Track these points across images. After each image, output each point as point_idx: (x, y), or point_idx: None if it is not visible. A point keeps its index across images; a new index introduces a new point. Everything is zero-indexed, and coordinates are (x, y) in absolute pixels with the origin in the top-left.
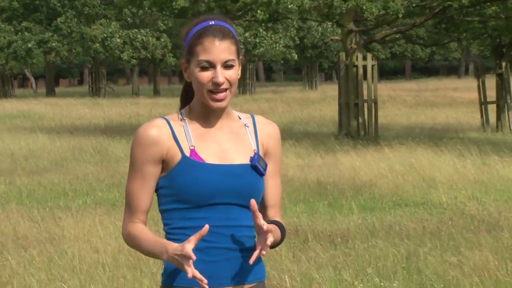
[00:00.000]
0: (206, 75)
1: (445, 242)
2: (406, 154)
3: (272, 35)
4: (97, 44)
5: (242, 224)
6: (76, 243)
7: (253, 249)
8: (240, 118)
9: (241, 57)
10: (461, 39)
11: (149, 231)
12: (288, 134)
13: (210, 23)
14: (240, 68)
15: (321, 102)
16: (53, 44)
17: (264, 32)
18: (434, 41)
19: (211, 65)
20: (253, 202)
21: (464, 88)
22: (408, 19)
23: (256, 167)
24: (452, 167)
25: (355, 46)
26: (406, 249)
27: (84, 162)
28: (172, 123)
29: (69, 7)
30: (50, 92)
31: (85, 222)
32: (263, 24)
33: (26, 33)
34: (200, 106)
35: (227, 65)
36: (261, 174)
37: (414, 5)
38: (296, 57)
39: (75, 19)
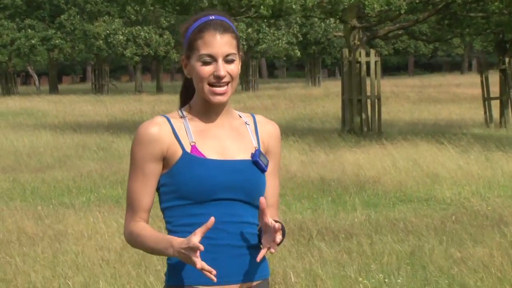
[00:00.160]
0: (207, 69)
1: (449, 238)
2: (409, 150)
3: (275, 32)
4: (100, 41)
5: (244, 221)
6: (80, 240)
7: (256, 246)
8: (240, 117)
9: (241, 53)
10: (464, 35)
11: (152, 228)
12: (291, 131)
13: (211, 17)
14: (240, 64)
15: (324, 98)
16: (57, 41)
17: (267, 29)
18: (437, 37)
19: (212, 59)
20: (262, 199)
21: (467, 84)
22: (411, 15)
23: (258, 163)
24: (456, 163)
25: (358, 42)
26: (410, 245)
27: (87, 159)
28: (172, 120)
29: (72, 4)
30: (53, 89)
31: (89, 219)
32: (265, 21)
33: (29, 30)
34: (200, 103)
35: (228, 59)
36: (263, 170)
37: (417, 1)
38: (299, 53)
39: (78, 16)
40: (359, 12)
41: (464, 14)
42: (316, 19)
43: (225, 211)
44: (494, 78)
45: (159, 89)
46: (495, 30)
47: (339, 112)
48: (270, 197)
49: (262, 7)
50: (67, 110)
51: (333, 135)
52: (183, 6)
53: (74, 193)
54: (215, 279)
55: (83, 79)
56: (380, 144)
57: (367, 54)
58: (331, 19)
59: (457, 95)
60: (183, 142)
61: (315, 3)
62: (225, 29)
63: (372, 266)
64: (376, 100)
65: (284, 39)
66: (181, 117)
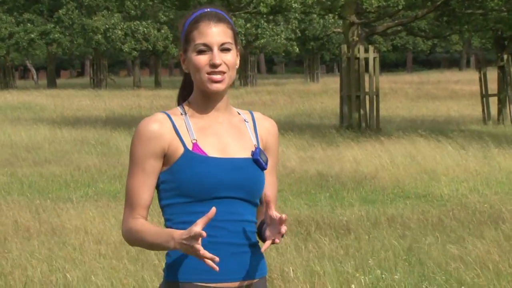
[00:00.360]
0: (203, 58)
1: (447, 234)
2: (407, 147)
3: (274, 27)
4: (99, 36)
5: (244, 219)
6: (78, 234)
7: (255, 244)
8: (239, 114)
9: (239, 47)
10: (463, 31)
11: (151, 223)
12: (290, 126)
13: (206, 10)
14: (239, 58)
15: (323, 94)
16: (56, 35)
17: (266, 24)
18: (435, 34)
19: (208, 48)
20: (268, 193)
21: (465, 81)
22: (409, 12)
23: (258, 161)
24: (454, 160)
25: (357, 39)
26: (407, 241)
27: (85, 153)
28: (173, 117)
29: None
30: (52, 84)
31: (87, 214)
32: (264, 16)
33: (28, 24)
34: (199, 98)
35: (224, 48)
36: (263, 168)
37: None
38: (297, 49)
39: (77, 10)
40: (357, 8)
41: (463, 11)
42: (315, 15)
43: (226, 209)
44: (492, 75)
45: (157, 84)
46: (493, 27)
47: (337, 108)
48: (268, 193)
49: (261, 4)
50: (65, 105)
51: (331, 131)
52: (182, 1)
53: (72, 187)
54: (217, 268)
55: (81, 74)
56: (378, 140)
57: (366, 50)
58: (330, 15)
59: (456, 91)
60: (184, 139)
61: (315, 0)
62: (219, 19)
63: (369, 262)
64: (375, 96)
65: (283, 35)
66: (181, 113)
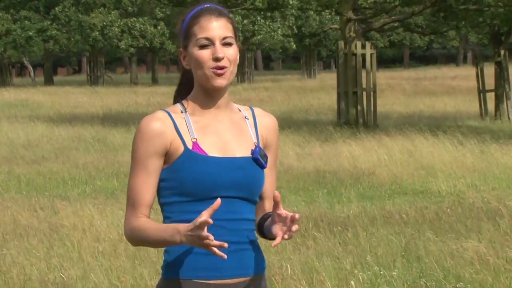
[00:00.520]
0: (205, 53)
1: (445, 230)
2: (405, 143)
3: (270, 24)
4: (96, 32)
5: (243, 218)
6: (75, 232)
7: (254, 241)
8: (240, 110)
9: (239, 43)
10: (460, 27)
11: (154, 221)
12: (287, 123)
13: (205, 6)
14: (239, 54)
15: (320, 90)
16: (53, 32)
17: (262, 21)
18: (432, 30)
19: (210, 42)
20: (276, 193)
21: (462, 77)
22: (406, 8)
23: (258, 160)
24: (451, 155)
25: (354, 35)
26: (405, 237)
27: (83, 151)
28: (173, 115)
29: None
30: (49, 81)
31: (84, 211)
32: (261, 13)
33: (26, 21)
34: (200, 94)
35: (225, 43)
36: (262, 166)
37: None
38: (294, 46)
39: (73, 7)
40: (354, 4)
41: (459, 7)
42: (312, 12)
43: (225, 209)
44: (489, 70)
45: (154, 81)
46: (490, 22)
47: (334, 104)
48: (269, 189)
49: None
50: (62, 102)
51: (328, 127)
52: None
53: (69, 185)
54: (225, 256)
55: (77, 71)
56: (376, 136)
57: (363, 47)
58: (327, 11)
59: (453, 87)
60: (184, 138)
61: None
62: (220, 13)
63: (367, 258)
64: (372, 92)
65: (279, 31)
66: (181, 111)
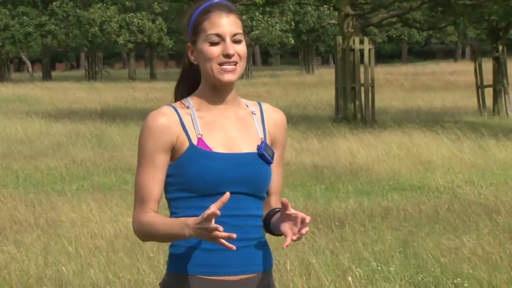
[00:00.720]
0: (215, 49)
1: (442, 226)
2: (403, 138)
3: (269, 19)
4: (96, 28)
5: (249, 214)
6: (73, 227)
7: (259, 238)
8: (247, 106)
9: (246, 38)
10: (458, 22)
11: (162, 216)
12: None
13: (214, 1)
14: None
15: (318, 86)
16: (51, 27)
17: (261, 16)
18: (430, 25)
19: (220, 39)
20: (285, 201)
21: (460, 72)
22: (404, 3)
23: (263, 156)
24: (449, 151)
25: (352, 30)
26: (403, 233)
27: (80, 146)
28: (179, 110)
29: None
30: (47, 76)
31: (82, 207)
32: (260, 8)
33: (24, 17)
34: (207, 90)
35: (235, 40)
36: (268, 162)
37: None
38: (292, 41)
39: (71, 3)
40: None
41: (457, 2)
42: (310, 8)
43: (231, 205)
44: (487, 65)
45: (152, 76)
46: (488, 18)
47: (332, 100)
48: (275, 185)
49: None
50: (60, 97)
51: (326, 122)
52: None
53: (67, 180)
54: (234, 247)
55: (73, 66)
56: (374, 132)
57: (361, 42)
58: (325, 6)
59: (451, 82)
60: (190, 133)
61: None
62: (230, 9)
63: (365, 254)
64: (370, 87)
65: (278, 26)
66: (187, 107)
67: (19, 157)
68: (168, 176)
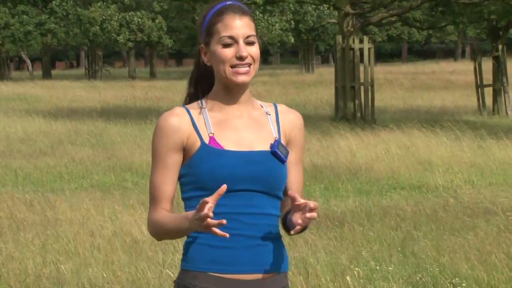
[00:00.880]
0: (228, 52)
1: (441, 226)
2: (402, 137)
3: (269, 18)
4: (96, 27)
5: (264, 212)
6: (72, 226)
7: (275, 237)
8: (262, 107)
9: (259, 40)
10: (458, 22)
11: (173, 213)
12: None
13: (228, 3)
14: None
15: (318, 85)
16: (51, 25)
17: (261, 15)
18: (430, 24)
19: (233, 41)
20: (291, 193)
21: (460, 71)
22: (404, 2)
23: (276, 153)
24: (448, 150)
25: (352, 29)
26: (401, 232)
27: (80, 145)
28: (191, 111)
29: None
30: (47, 75)
31: (81, 206)
32: (260, 7)
33: (24, 16)
34: (221, 91)
35: (249, 41)
36: (282, 161)
37: None
38: (292, 40)
39: (71, 1)
40: None
41: (457, 1)
42: (310, 7)
43: (243, 202)
44: (487, 65)
45: (152, 75)
46: (488, 17)
47: (332, 99)
48: (294, 185)
49: None
50: (60, 96)
51: (326, 122)
52: None
53: (66, 179)
54: (227, 235)
55: (75, 65)
56: (373, 131)
57: (361, 41)
58: (325, 5)
59: (451, 82)
60: (201, 133)
61: None
62: (243, 11)
63: (363, 253)
64: (370, 87)
65: (277, 25)
66: (200, 107)
67: (18, 155)
68: (182, 176)
